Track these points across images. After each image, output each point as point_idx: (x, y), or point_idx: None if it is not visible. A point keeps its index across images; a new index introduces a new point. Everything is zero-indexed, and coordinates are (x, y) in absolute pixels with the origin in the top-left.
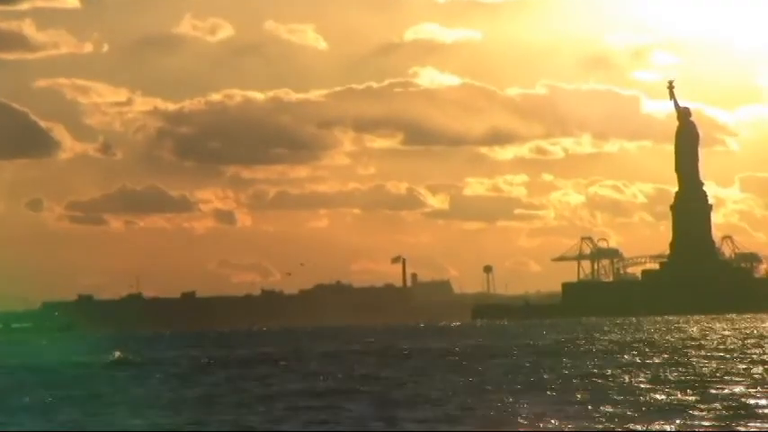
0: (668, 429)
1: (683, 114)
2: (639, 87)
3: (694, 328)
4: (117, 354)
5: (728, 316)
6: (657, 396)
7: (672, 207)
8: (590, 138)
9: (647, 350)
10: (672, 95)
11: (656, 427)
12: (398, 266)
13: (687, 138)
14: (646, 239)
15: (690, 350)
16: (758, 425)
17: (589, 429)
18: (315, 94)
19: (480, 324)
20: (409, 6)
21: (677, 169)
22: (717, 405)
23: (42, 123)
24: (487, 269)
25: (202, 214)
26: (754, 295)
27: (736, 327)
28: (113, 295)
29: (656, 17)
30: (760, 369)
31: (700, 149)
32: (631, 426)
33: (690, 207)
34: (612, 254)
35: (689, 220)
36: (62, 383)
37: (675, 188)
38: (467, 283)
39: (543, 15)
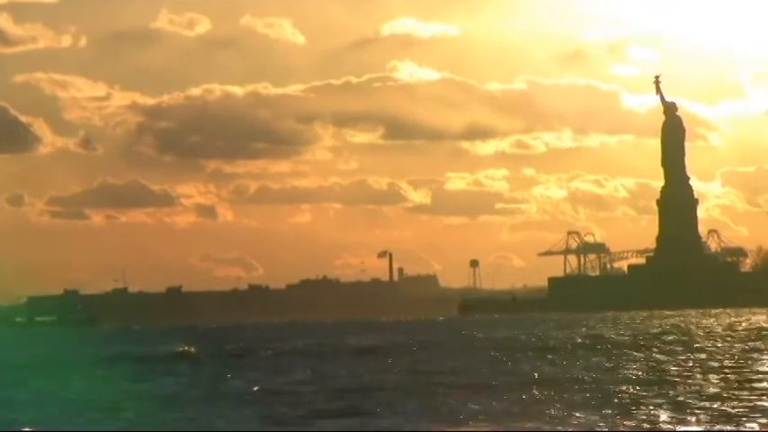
0: (667, 429)
1: (670, 109)
2: (619, 82)
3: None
4: None
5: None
6: None
7: (658, 201)
8: (570, 132)
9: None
10: (658, 90)
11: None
12: (383, 261)
13: (673, 132)
14: (628, 234)
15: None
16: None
17: (589, 429)
18: (293, 89)
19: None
20: (386, 1)
21: (663, 164)
22: None
23: (22, 118)
24: (474, 263)
25: (184, 209)
26: (740, 290)
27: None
28: (98, 290)
29: (635, 12)
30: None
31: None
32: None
33: (676, 201)
34: (599, 248)
35: (675, 214)
36: None
37: (657, 182)
38: (451, 277)
39: (520, 10)
